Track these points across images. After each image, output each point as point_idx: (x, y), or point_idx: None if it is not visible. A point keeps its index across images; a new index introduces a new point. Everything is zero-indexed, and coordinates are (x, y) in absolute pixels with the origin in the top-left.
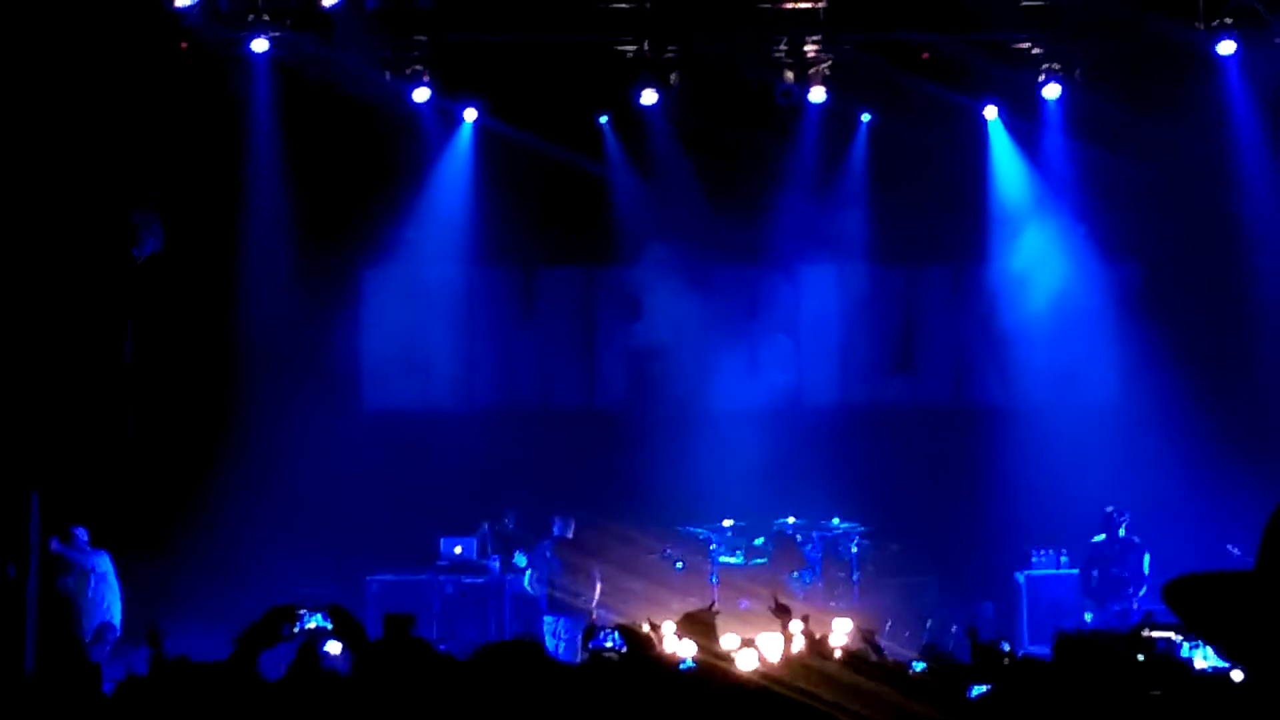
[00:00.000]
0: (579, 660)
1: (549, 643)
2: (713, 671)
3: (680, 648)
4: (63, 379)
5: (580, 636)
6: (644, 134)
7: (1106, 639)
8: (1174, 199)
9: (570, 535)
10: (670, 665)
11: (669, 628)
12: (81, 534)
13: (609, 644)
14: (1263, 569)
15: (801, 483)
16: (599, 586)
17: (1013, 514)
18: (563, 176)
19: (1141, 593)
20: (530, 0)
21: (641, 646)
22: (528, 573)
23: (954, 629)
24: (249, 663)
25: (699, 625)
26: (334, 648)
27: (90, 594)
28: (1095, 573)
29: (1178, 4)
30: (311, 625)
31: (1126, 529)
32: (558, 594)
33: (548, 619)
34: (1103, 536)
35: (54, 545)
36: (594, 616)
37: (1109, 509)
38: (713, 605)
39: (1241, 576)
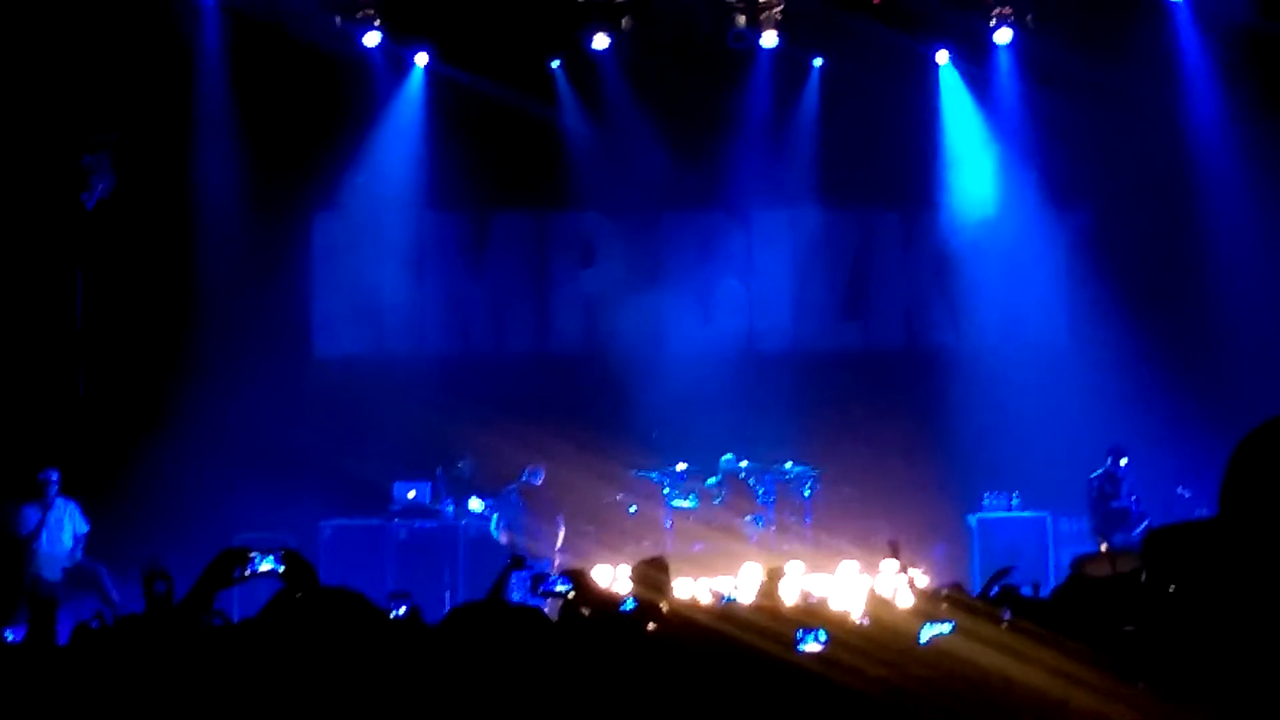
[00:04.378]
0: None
1: (513, 587)
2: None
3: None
4: (11, 326)
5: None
6: (596, 79)
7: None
8: (1125, 144)
9: (539, 482)
10: (611, 605)
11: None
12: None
13: (559, 587)
14: (1225, 516)
15: (754, 426)
16: (562, 533)
17: (964, 457)
18: (514, 121)
19: (1144, 525)
20: None
21: (587, 588)
22: (493, 517)
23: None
24: (203, 604)
25: (653, 572)
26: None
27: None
28: (1101, 509)
29: None
30: (264, 568)
31: (1124, 464)
32: (521, 539)
33: None
34: (1099, 471)
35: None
36: (557, 563)
37: (1111, 450)
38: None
39: (1205, 524)
